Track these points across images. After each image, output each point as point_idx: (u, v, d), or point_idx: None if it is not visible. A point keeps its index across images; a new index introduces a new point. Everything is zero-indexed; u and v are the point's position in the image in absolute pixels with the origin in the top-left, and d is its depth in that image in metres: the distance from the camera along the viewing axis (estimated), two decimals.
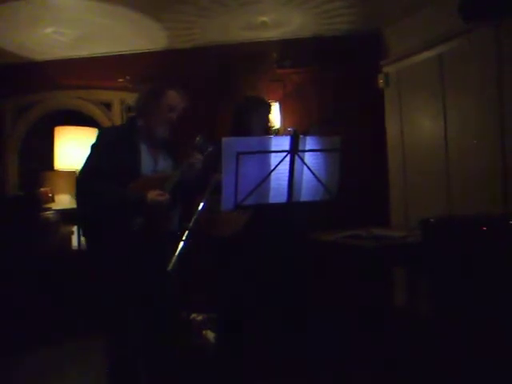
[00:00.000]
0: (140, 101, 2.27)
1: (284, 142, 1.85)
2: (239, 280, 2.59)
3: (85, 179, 2.12)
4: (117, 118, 4.26)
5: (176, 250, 1.77)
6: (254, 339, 2.64)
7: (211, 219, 2.42)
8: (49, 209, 4.06)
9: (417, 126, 3.64)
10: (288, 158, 1.86)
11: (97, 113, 4.29)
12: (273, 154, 1.85)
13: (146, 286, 2.10)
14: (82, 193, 2.15)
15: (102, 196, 2.06)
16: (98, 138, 2.20)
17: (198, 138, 2.25)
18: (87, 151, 2.18)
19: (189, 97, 2.31)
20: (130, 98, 3.76)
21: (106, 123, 4.21)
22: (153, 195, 2.05)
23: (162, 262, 2.07)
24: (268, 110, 2.75)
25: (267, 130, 2.79)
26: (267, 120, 2.76)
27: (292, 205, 1.96)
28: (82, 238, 3.37)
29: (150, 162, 2.21)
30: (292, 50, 4.02)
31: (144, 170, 2.16)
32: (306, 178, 1.94)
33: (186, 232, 1.82)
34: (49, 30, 3.56)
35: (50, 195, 4.17)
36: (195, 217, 1.89)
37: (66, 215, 3.96)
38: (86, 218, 2.18)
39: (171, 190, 2.12)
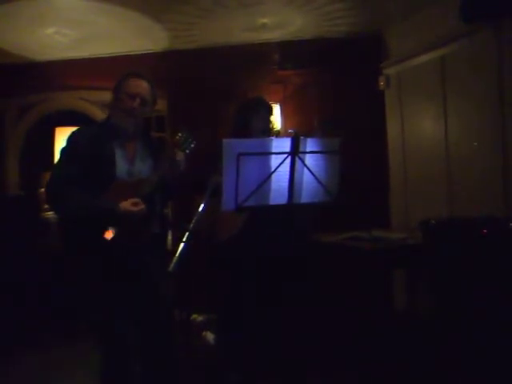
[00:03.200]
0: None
1: (285, 144, 1.85)
2: (239, 281, 2.59)
3: (53, 188, 1.99)
4: None
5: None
6: (254, 340, 2.64)
7: (210, 223, 2.42)
8: (49, 209, 4.06)
9: (417, 128, 3.64)
10: (289, 160, 1.86)
11: (98, 113, 4.29)
12: (273, 156, 1.85)
13: (132, 290, 2.03)
14: (51, 202, 2.04)
15: (71, 206, 1.94)
16: (68, 140, 2.07)
17: (179, 134, 2.14)
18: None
19: (163, 90, 2.22)
20: None
21: None
22: (126, 205, 1.92)
23: (148, 264, 2.05)
24: (269, 111, 2.72)
25: (269, 131, 2.74)
26: (268, 122, 2.73)
27: (292, 206, 1.96)
28: None
29: (125, 164, 2.06)
30: (293, 52, 4.02)
31: (119, 173, 2.02)
32: (306, 179, 1.93)
33: (187, 233, 1.82)
34: (50, 30, 3.56)
35: None
36: (196, 218, 1.89)
37: None
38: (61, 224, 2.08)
39: (147, 194, 1.99)
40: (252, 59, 4.05)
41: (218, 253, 2.68)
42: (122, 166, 2.05)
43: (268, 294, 2.57)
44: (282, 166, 1.85)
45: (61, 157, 2.07)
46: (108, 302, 2.02)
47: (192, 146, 2.16)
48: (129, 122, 2.08)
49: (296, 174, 1.89)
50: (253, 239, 2.51)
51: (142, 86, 2.10)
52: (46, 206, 4.07)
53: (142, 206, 1.96)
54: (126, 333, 2.05)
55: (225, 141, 1.80)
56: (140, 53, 4.11)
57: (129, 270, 2.00)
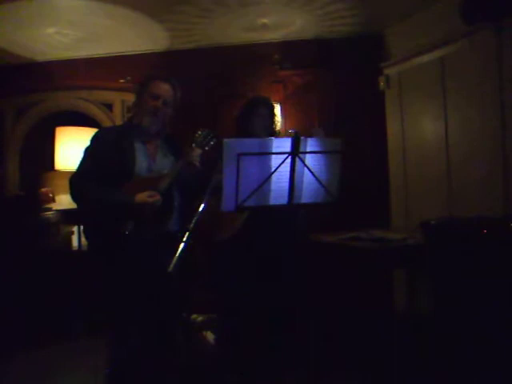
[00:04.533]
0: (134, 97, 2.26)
1: (285, 144, 1.85)
2: (239, 281, 2.59)
3: (75, 182, 2.09)
4: (118, 118, 4.26)
5: (176, 251, 1.75)
6: (254, 340, 2.64)
7: (210, 222, 2.41)
8: (49, 209, 4.06)
9: (418, 128, 3.64)
10: (289, 160, 1.86)
11: (98, 113, 4.29)
12: (274, 156, 1.85)
13: (144, 287, 2.07)
14: (73, 197, 2.11)
15: (91, 199, 2.03)
16: (92, 140, 2.16)
17: (199, 132, 2.21)
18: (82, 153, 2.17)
19: (184, 89, 2.28)
20: (131, 99, 3.77)
21: (107, 124, 4.22)
22: (142, 196, 1.99)
23: (159, 262, 2.07)
24: (272, 111, 2.70)
25: (272, 131, 2.71)
26: (271, 122, 2.70)
27: (292, 206, 1.96)
28: (83, 238, 3.36)
29: (146, 161, 2.14)
30: (293, 52, 4.02)
31: (138, 170, 2.10)
32: (306, 179, 1.93)
33: (187, 233, 1.81)
34: (50, 30, 3.56)
35: (51, 195, 4.17)
36: (196, 218, 1.89)
37: (66, 215, 3.97)
38: (83, 218, 2.17)
39: (165, 189, 2.06)
40: (252, 59, 4.05)
41: (218, 252, 2.68)
42: (142, 162, 2.13)
43: (268, 293, 2.57)
44: (282, 166, 1.85)
45: (84, 155, 2.16)
46: (119, 300, 2.05)
47: (211, 143, 2.23)
48: (152, 121, 2.16)
49: (296, 174, 1.89)
50: (253, 239, 2.51)
51: (164, 89, 2.20)
52: (46, 206, 4.08)
53: (158, 197, 2.02)
54: (134, 332, 2.06)
55: (225, 141, 1.80)
56: (140, 53, 4.11)
57: (141, 268, 2.03)
